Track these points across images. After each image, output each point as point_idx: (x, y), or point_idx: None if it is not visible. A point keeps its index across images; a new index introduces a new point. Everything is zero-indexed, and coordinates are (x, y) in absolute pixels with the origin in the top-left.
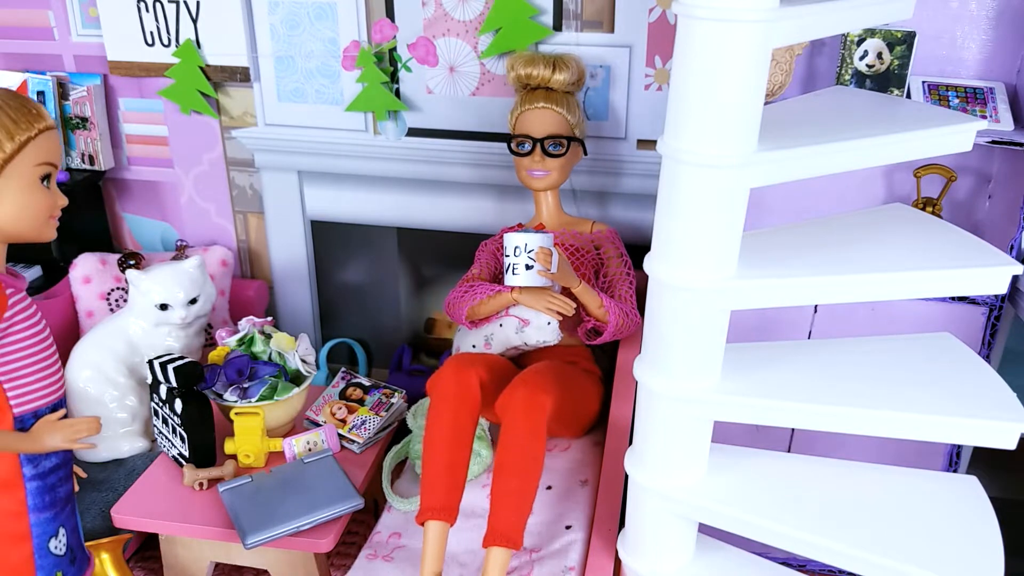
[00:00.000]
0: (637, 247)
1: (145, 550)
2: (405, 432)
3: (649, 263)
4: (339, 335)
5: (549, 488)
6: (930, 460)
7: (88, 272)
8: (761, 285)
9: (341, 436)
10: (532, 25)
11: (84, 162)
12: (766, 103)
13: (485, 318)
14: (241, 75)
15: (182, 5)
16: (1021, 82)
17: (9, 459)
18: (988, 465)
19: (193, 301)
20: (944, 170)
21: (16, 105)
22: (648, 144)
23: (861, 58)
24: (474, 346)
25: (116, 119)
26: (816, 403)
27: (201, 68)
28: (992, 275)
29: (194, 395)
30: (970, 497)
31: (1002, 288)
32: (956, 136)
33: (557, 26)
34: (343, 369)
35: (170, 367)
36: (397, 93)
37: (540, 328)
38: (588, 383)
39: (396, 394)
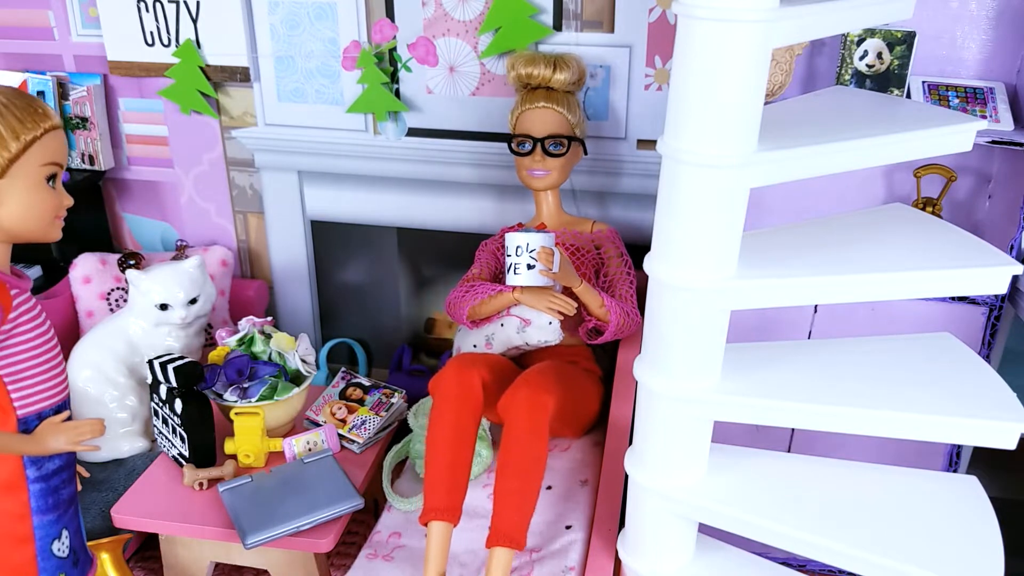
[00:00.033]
0: (637, 247)
1: (145, 550)
2: (405, 432)
3: (649, 263)
4: (339, 335)
5: (549, 488)
6: (930, 460)
7: (88, 272)
8: (761, 285)
9: (341, 436)
10: (532, 24)
11: (84, 162)
12: (766, 103)
13: (486, 318)
14: (241, 75)
15: (182, 5)
16: (1021, 82)
17: (12, 461)
18: (988, 465)
19: (193, 301)
20: (944, 170)
21: (22, 104)
22: (648, 144)
23: (861, 58)
24: (475, 346)
25: (116, 119)
26: (816, 403)
27: (201, 68)
28: (992, 275)
29: (194, 395)
30: (970, 497)
31: (1002, 288)
32: (956, 136)
33: (557, 26)
34: (343, 369)
35: (170, 367)
36: (397, 93)
37: (541, 328)
38: (589, 383)
39: (396, 394)
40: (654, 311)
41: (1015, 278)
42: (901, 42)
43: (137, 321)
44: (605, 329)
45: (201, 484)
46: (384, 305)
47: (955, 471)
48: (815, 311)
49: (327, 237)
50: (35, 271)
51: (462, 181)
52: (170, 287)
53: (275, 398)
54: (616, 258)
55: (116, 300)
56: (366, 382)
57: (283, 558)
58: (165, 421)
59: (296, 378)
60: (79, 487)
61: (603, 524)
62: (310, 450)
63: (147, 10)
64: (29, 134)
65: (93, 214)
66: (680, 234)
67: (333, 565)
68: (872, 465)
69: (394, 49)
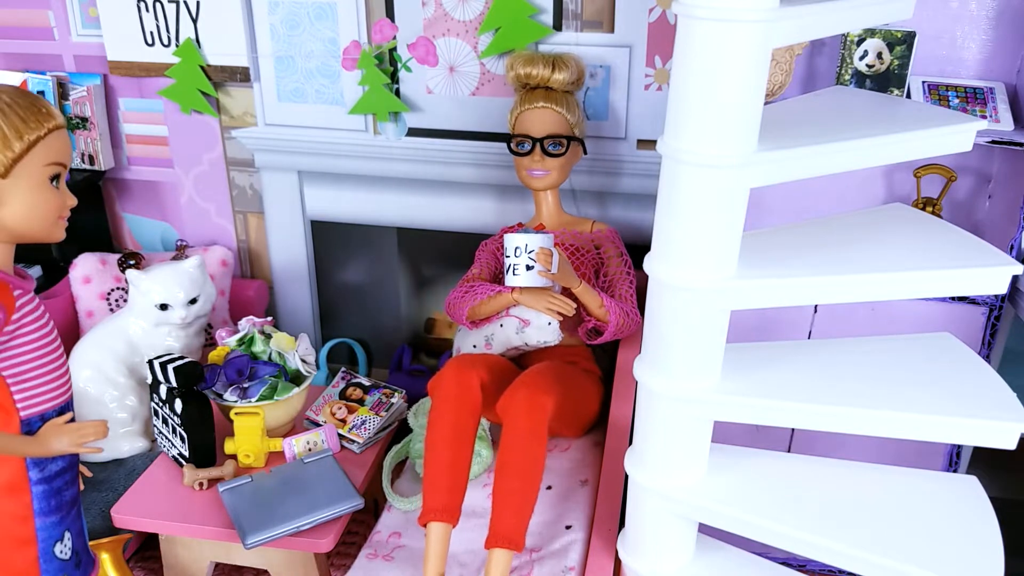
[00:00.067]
0: (637, 247)
1: (145, 550)
2: (405, 432)
3: (649, 263)
4: (339, 335)
5: (549, 488)
6: (930, 460)
7: (88, 272)
8: (761, 285)
9: (341, 436)
10: (532, 24)
11: (84, 162)
12: (766, 103)
13: (486, 318)
14: (241, 75)
15: (182, 5)
16: (1021, 82)
17: (15, 463)
18: (988, 465)
19: (193, 301)
20: (944, 170)
21: (26, 104)
22: (648, 144)
23: (861, 58)
24: (475, 346)
25: (116, 119)
26: (816, 403)
27: (201, 67)
28: (992, 275)
29: (194, 395)
30: (970, 497)
31: (1002, 288)
32: (956, 136)
33: (557, 26)
34: (343, 369)
35: (170, 367)
36: (397, 93)
37: (541, 328)
38: (588, 383)
39: (396, 394)
40: (654, 311)
41: (1015, 278)
42: (901, 42)
43: (137, 321)
44: (604, 329)
45: (201, 484)
46: (384, 305)
47: (955, 471)
48: (815, 311)
49: (327, 237)
50: (35, 271)
51: (462, 181)
52: (170, 287)
53: (275, 398)
54: (616, 258)
55: (116, 300)
56: (366, 382)
57: (283, 558)
58: (165, 421)
59: (296, 378)
60: (82, 487)
61: (603, 524)
62: (310, 450)
63: (147, 10)
64: (33, 134)
65: (93, 214)
66: (680, 234)
67: (333, 565)
68: (872, 465)
69: (394, 49)
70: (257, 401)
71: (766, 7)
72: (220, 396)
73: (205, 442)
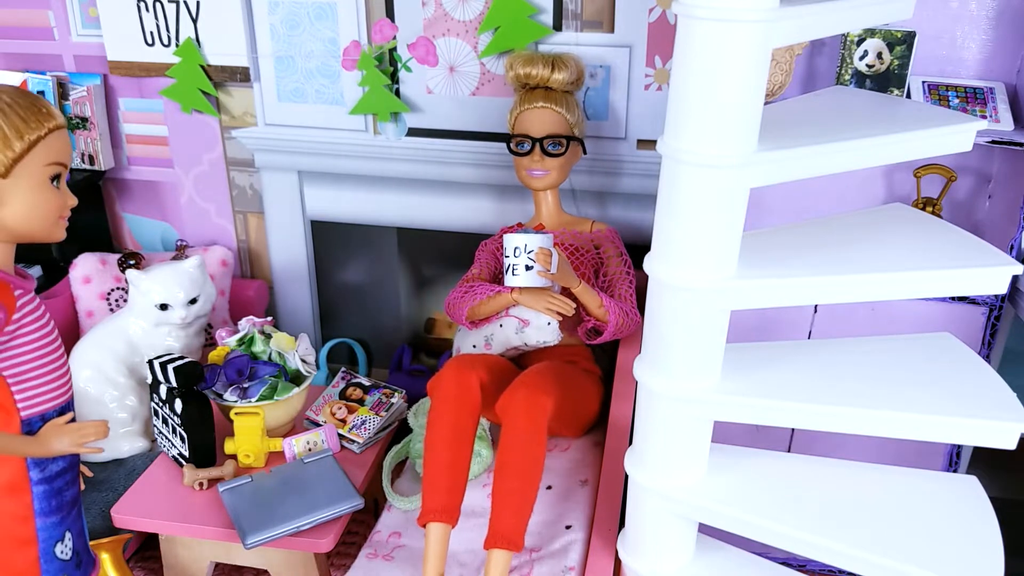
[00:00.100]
0: (637, 247)
1: (145, 550)
2: (405, 432)
3: (649, 263)
4: (339, 335)
5: (549, 488)
6: (930, 460)
7: (88, 272)
8: (761, 285)
9: (341, 436)
10: (531, 24)
11: (84, 162)
12: (766, 103)
13: (485, 318)
14: (241, 75)
15: (182, 5)
16: (1021, 82)
17: (16, 463)
18: (988, 465)
19: (193, 301)
20: (944, 170)
21: (26, 104)
22: (648, 144)
23: (861, 58)
24: (474, 346)
25: (116, 119)
26: (816, 403)
27: (201, 67)
28: (992, 275)
29: (194, 395)
30: (970, 497)
31: (1002, 288)
32: (956, 136)
33: (557, 26)
34: (343, 369)
35: (170, 367)
36: (397, 93)
37: (540, 328)
38: (588, 383)
39: (396, 394)
40: (654, 311)
41: (1015, 278)
42: (901, 42)
43: (137, 321)
44: (604, 329)
45: (201, 484)
46: (384, 305)
47: (955, 471)
48: (815, 311)
49: (327, 237)
50: (35, 271)
51: (462, 181)
52: (170, 287)
53: (275, 398)
54: (615, 258)
55: (116, 300)
56: (366, 382)
57: (283, 558)
58: (165, 421)
59: (296, 378)
60: (82, 487)
61: (603, 524)
62: (310, 450)
63: (147, 10)
64: (33, 134)
65: (93, 214)
66: (680, 234)
67: (333, 565)
68: (872, 465)
69: (394, 49)
70: (257, 401)
71: (766, 7)
72: (220, 396)
73: (205, 442)
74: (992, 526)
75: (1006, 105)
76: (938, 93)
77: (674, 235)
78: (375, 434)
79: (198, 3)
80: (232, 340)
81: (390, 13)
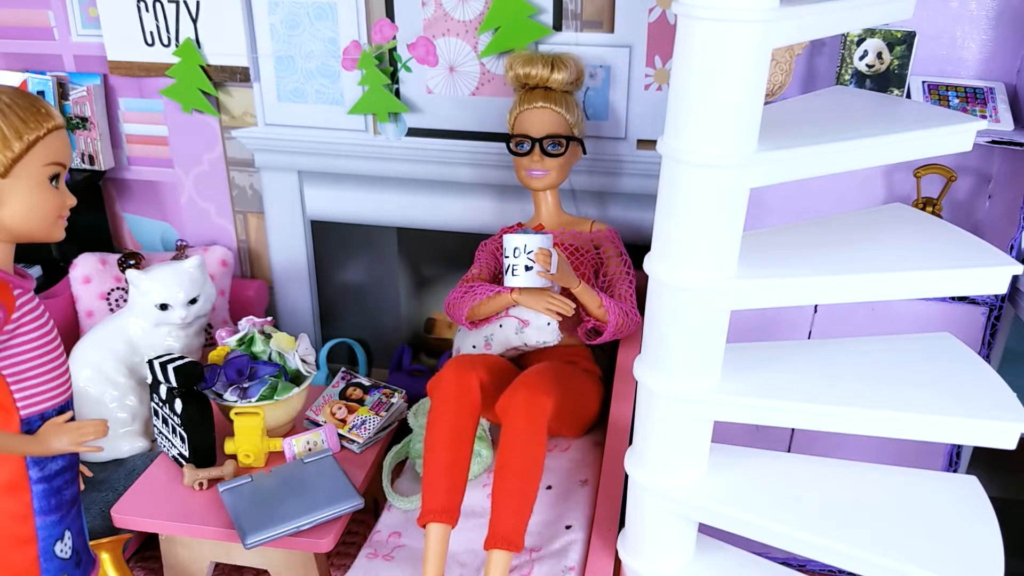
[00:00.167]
0: (637, 247)
1: (145, 550)
2: (405, 432)
3: (649, 263)
4: (339, 335)
5: (549, 488)
6: (930, 460)
7: (88, 272)
8: (761, 285)
9: (341, 436)
10: (531, 24)
11: (84, 162)
12: (766, 103)
13: (485, 319)
14: (241, 75)
15: (182, 5)
16: (1021, 82)
17: (15, 462)
18: (988, 465)
19: (193, 301)
20: (944, 170)
21: (25, 104)
22: (648, 144)
23: (861, 58)
24: (474, 347)
25: (116, 119)
26: (816, 403)
27: (201, 67)
28: (992, 275)
29: (194, 395)
30: (970, 497)
31: (1002, 288)
32: (956, 136)
33: (557, 26)
34: (343, 369)
35: (170, 367)
36: (397, 93)
37: (540, 329)
38: (588, 383)
39: (396, 394)
40: (654, 311)
41: (1015, 278)
42: (901, 42)
43: (137, 321)
44: (604, 329)
45: (201, 484)
46: (384, 305)
47: (955, 471)
48: (815, 311)
49: (327, 237)
50: (35, 271)
51: (462, 181)
52: (170, 287)
53: (275, 398)
54: (615, 258)
55: (116, 300)
56: (366, 382)
57: (283, 558)
58: (165, 421)
59: (296, 378)
60: (82, 486)
61: (603, 524)
62: (310, 450)
63: (147, 10)
64: (32, 134)
65: (93, 214)
66: (680, 234)
67: (333, 565)
68: (872, 465)
69: (394, 49)
70: (257, 401)
71: (766, 7)
72: (220, 396)
73: (205, 442)
74: (992, 526)
75: (1006, 105)
76: (938, 93)
77: (674, 235)
78: (375, 434)
79: (198, 3)
80: (232, 340)
81: (390, 13)
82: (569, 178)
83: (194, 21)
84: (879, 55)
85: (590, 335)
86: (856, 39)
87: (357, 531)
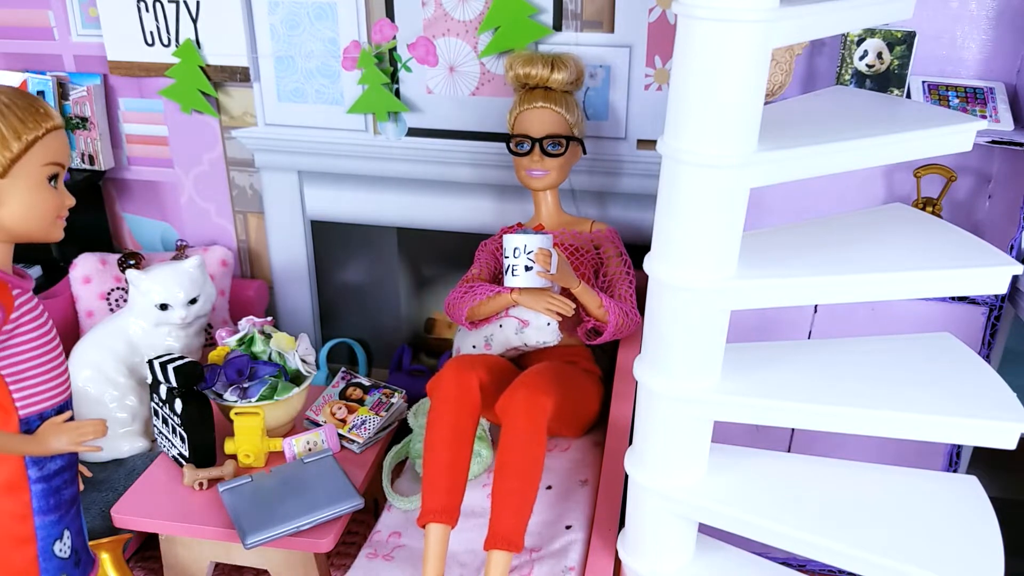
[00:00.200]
0: (637, 247)
1: (145, 550)
2: (405, 432)
3: (649, 263)
4: (339, 335)
5: (549, 488)
6: (930, 460)
7: (88, 272)
8: (761, 285)
9: (341, 436)
10: (531, 24)
11: (84, 162)
12: (766, 103)
13: (485, 319)
14: (241, 75)
15: (182, 5)
16: (1021, 82)
17: (14, 461)
18: (988, 465)
19: (193, 301)
20: (944, 170)
21: (24, 104)
22: (648, 144)
23: (861, 58)
24: (474, 347)
25: (116, 119)
26: (816, 403)
27: (201, 67)
28: (992, 275)
29: (194, 395)
30: (970, 497)
31: (1002, 288)
32: (956, 136)
33: (557, 26)
34: (343, 369)
35: (170, 367)
36: (397, 93)
37: (540, 329)
38: (588, 383)
39: (396, 394)
40: (654, 311)
41: (1015, 278)
42: (901, 42)
43: (137, 321)
44: (604, 329)
45: (201, 484)
46: (384, 305)
47: (955, 471)
48: (815, 311)
49: (327, 237)
50: (35, 271)
51: (462, 181)
52: (170, 287)
53: (275, 398)
54: (615, 258)
55: (116, 300)
56: (366, 382)
57: (283, 558)
58: (165, 421)
59: (296, 378)
60: (81, 487)
61: (603, 524)
62: (310, 450)
63: (147, 10)
64: (31, 134)
65: (93, 214)
66: (680, 234)
67: (333, 565)
68: (872, 465)
69: (394, 49)
70: (257, 401)
71: (766, 7)
72: (220, 396)
73: (205, 442)
74: (992, 526)
75: (1006, 105)
76: (938, 93)
77: (674, 235)
78: (375, 434)
79: (198, 3)
80: (232, 340)
81: (390, 13)
82: (569, 178)
83: (194, 21)
84: (879, 55)
85: (590, 335)
86: (856, 39)
87: (357, 531)
